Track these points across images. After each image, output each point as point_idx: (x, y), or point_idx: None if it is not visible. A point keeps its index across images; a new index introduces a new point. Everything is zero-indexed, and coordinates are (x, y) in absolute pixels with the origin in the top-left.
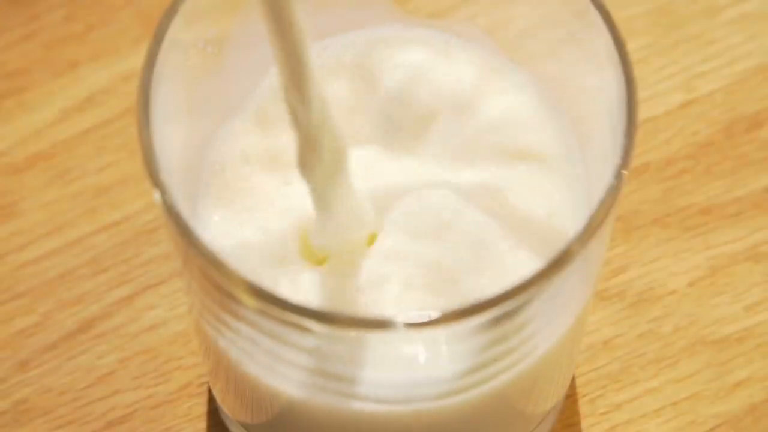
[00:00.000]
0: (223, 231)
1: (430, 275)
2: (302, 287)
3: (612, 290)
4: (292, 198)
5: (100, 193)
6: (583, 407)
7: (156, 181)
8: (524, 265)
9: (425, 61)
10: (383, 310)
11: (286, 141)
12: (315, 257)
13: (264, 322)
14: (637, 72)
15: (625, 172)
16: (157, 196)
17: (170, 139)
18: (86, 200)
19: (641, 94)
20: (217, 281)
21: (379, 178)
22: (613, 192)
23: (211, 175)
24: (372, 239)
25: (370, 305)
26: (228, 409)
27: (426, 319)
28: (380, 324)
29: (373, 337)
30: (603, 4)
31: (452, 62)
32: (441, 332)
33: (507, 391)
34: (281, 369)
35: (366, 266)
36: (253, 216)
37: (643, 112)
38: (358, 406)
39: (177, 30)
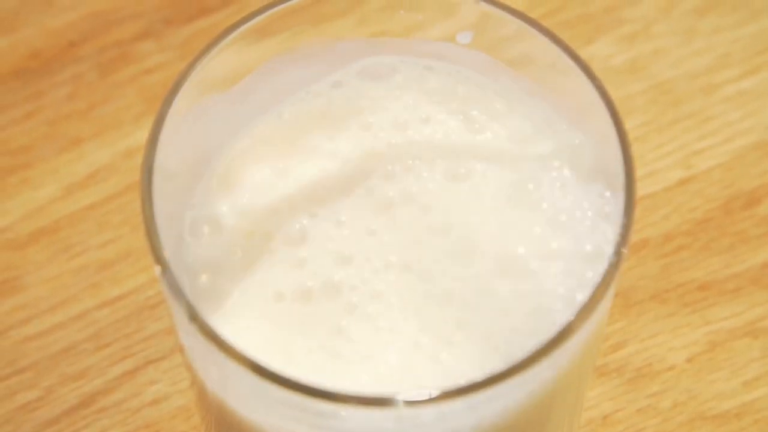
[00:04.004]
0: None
1: None
2: None
3: (611, 365)
4: None
5: (102, 268)
6: None
7: (158, 256)
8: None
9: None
10: None
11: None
12: None
13: (266, 398)
14: (636, 149)
15: (624, 250)
16: (158, 271)
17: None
18: (89, 275)
19: (640, 171)
20: (218, 358)
21: None
22: (612, 269)
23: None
24: None
25: None
26: None
27: (425, 398)
28: (380, 402)
29: (374, 414)
30: (601, 83)
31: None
32: (440, 408)
33: None
34: None
35: None
36: None
37: (641, 189)
38: None
39: (180, 107)
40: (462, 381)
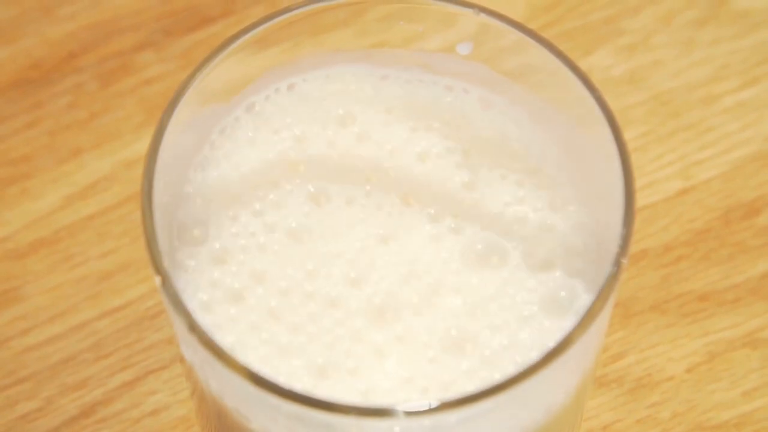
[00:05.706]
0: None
1: None
2: None
3: (611, 376)
4: None
5: (103, 278)
6: None
7: (158, 267)
8: None
9: None
10: None
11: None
12: None
13: (265, 408)
14: (636, 160)
15: (624, 260)
16: (158, 281)
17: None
18: (89, 285)
19: (639, 181)
20: (218, 368)
21: None
22: (612, 280)
23: None
24: None
25: None
26: None
27: (425, 409)
28: (380, 413)
29: (373, 424)
30: (601, 95)
31: None
32: (438, 419)
33: None
34: None
35: None
36: None
37: (641, 200)
38: None
39: (180, 118)
40: (461, 392)
